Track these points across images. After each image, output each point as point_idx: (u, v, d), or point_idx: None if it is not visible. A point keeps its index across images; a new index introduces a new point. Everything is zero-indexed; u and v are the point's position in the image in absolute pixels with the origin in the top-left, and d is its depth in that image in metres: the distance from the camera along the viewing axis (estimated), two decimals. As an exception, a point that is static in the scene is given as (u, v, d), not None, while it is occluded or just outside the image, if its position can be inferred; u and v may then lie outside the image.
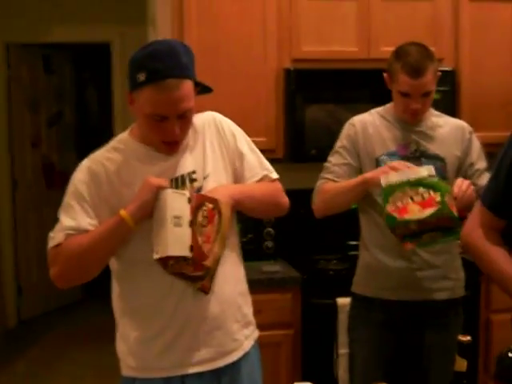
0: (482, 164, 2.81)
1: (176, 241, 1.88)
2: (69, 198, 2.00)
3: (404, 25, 3.61)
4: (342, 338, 3.20)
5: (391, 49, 3.42)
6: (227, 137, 2.14)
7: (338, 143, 2.84)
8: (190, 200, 1.92)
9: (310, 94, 3.58)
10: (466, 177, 2.78)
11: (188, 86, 1.93)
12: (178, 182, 2.03)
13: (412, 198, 2.38)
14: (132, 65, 1.95)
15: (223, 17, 3.45)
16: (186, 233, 1.89)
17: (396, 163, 2.59)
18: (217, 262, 1.97)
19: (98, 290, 6.92)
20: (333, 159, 2.82)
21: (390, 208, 2.39)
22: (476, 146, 2.82)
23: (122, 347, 2.10)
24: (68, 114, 6.78)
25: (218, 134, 2.13)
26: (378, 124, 2.80)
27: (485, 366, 3.50)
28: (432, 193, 2.36)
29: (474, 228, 2.10)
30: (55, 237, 1.97)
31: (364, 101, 3.51)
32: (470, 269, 2.88)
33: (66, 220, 1.97)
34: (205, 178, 2.06)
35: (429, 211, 2.34)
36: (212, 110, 3.33)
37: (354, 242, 3.38)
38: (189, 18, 3.41)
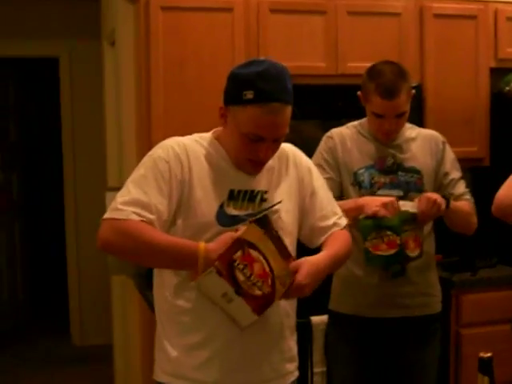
0: (456, 173, 2.83)
1: (239, 315, 1.89)
2: (145, 171, 1.93)
3: (371, 40, 3.61)
4: (317, 356, 3.17)
5: (358, 64, 3.44)
6: (303, 171, 2.15)
7: (318, 156, 2.79)
8: (219, 272, 1.81)
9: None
10: (441, 186, 2.79)
11: (289, 111, 1.94)
12: (247, 196, 2.00)
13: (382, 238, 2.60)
14: (237, 80, 1.92)
15: (191, 32, 3.37)
16: (240, 303, 1.84)
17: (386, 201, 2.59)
18: (284, 282, 1.90)
19: (41, 313, 6.78)
20: None
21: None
22: (449, 155, 2.84)
23: (161, 351, 2.05)
24: (12, 131, 6.54)
25: (295, 165, 2.13)
26: (355, 138, 2.79)
27: (455, 381, 3.51)
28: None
29: None
30: (122, 210, 1.87)
31: (332, 116, 3.48)
32: (441, 284, 2.89)
33: (136, 191, 1.89)
34: (275, 205, 2.03)
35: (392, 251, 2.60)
36: (181, 125, 3.32)
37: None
38: (155, 33, 3.31)
